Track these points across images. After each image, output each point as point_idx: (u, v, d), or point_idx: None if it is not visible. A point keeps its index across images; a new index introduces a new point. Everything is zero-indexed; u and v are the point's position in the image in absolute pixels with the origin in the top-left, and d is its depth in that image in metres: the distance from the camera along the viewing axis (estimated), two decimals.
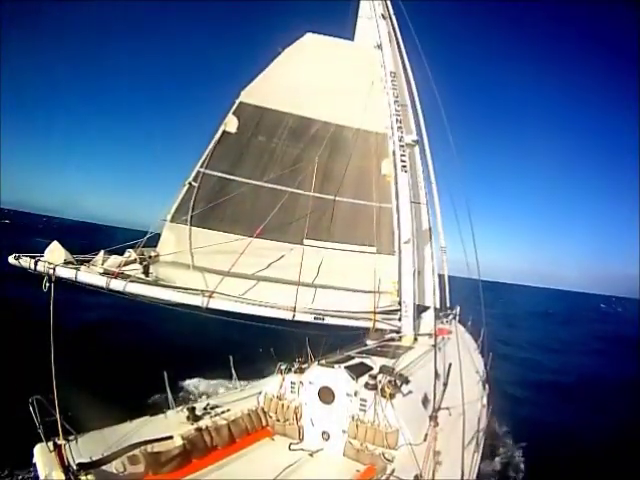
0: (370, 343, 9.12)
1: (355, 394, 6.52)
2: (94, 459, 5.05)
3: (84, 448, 5.22)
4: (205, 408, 6.97)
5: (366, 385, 6.51)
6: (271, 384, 7.45)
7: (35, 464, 5.01)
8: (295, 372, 7.18)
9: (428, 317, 9.84)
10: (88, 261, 7.38)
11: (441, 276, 10.45)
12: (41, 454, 4.98)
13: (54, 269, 6.61)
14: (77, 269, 6.96)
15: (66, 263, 6.99)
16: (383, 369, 6.91)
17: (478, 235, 8.09)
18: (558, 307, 70.46)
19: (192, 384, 11.91)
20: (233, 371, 8.30)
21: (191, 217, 8.46)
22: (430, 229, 10.44)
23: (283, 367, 7.32)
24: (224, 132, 8.89)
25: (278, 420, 7.08)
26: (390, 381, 6.52)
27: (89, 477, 4.70)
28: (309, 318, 7.80)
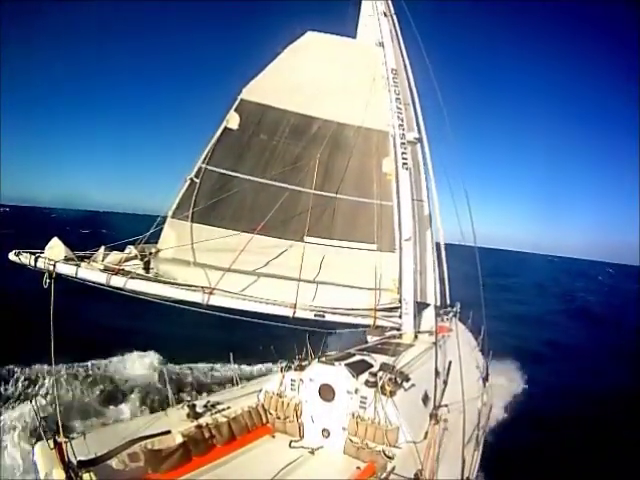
0: (370, 340, 9.12)
1: (355, 391, 6.52)
2: (94, 456, 5.05)
3: (84, 446, 5.21)
4: (205, 405, 6.97)
5: (366, 382, 6.51)
6: (271, 381, 7.45)
7: (35, 462, 5.01)
8: (295, 369, 7.17)
9: (428, 315, 9.83)
10: (88, 257, 7.37)
11: (441, 274, 10.44)
12: (41, 452, 4.98)
13: (54, 265, 6.61)
14: (77, 265, 6.96)
15: (66, 259, 6.99)
16: (383, 366, 6.91)
17: (478, 224, 8.06)
18: (555, 278, 67.98)
19: None
20: (233, 369, 8.32)
21: (192, 213, 8.44)
22: (431, 226, 10.42)
23: (283, 364, 7.32)
24: (225, 129, 8.86)
25: (278, 417, 7.08)
26: (390, 378, 6.53)
27: (90, 475, 4.69)
28: (309, 315, 7.81)
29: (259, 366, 13.04)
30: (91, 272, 7.02)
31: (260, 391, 7.47)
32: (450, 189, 9.20)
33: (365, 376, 6.66)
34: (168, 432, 5.97)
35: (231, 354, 8.21)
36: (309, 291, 8.15)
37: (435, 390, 6.26)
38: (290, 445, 6.67)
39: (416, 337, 9.18)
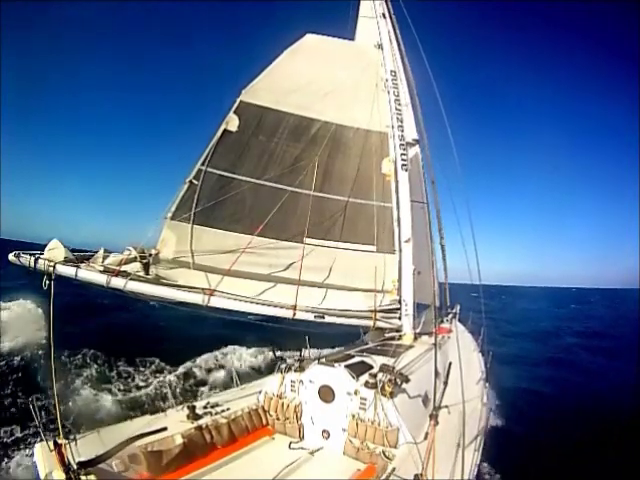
0: (370, 342, 9.11)
1: (355, 393, 6.51)
2: (94, 457, 5.04)
3: (84, 447, 5.19)
4: (205, 407, 6.96)
5: (366, 384, 6.50)
6: (271, 383, 7.43)
7: (35, 463, 5.01)
8: (295, 370, 7.16)
9: (428, 316, 9.83)
10: (88, 259, 7.39)
11: (441, 275, 10.41)
12: (41, 453, 4.97)
13: (54, 267, 6.62)
14: (77, 267, 6.98)
15: (66, 261, 7.00)
16: (383, 368, 6.89)
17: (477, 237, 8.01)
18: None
19: None
20: (233, 370, 8.32)
21: (193, 215, 8.45)
22: (430, 228, 10.41)
23: (283, 365, 7.31)
24: (225, 131, 8.89)
25: (278, 419, 7.07)
26: (390, 380, 6.50)
27: (89, 477, 4.68)
28: (309, 317, 7.81)
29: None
30: (91, 273, 7.04)
31: (260, 392, 7.47)
32: (450, 192, 9.21)
33: (365, 377, 6.64)
34: (165, 429, 5.94)
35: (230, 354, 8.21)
36: (309, 292, 8.16)
37: (435, 391, 6.24)
38: (290, 446, 6.66)
39: (416, 338, 9.18)
